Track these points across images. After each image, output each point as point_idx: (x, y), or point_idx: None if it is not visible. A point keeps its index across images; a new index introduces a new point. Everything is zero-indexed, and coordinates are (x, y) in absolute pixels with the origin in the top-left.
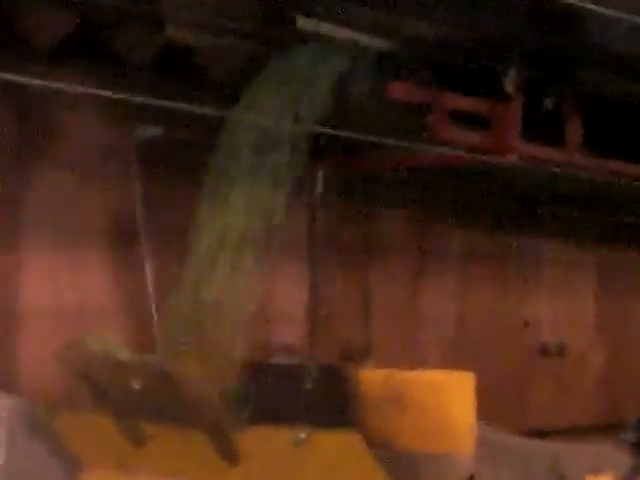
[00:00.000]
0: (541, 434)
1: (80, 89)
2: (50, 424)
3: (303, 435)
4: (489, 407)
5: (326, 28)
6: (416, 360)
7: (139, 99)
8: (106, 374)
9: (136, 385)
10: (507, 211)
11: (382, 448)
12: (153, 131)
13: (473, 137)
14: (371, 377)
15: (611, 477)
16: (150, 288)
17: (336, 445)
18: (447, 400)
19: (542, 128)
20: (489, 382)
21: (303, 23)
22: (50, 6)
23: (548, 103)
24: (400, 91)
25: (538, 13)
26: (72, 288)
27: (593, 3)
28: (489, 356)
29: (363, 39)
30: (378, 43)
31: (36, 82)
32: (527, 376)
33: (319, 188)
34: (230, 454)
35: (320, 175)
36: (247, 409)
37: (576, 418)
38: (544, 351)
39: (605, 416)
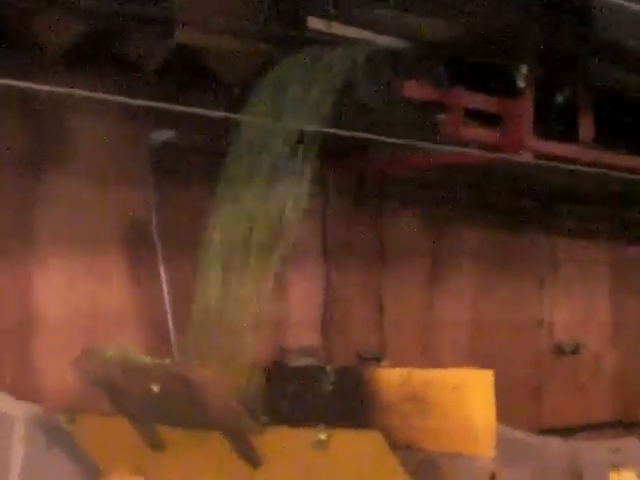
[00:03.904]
0: (557, 433)
1: (93, 95)
2: (68, 430)
3: (323, 436)
4: (505, 407)
5: (337, 28)
6: (431, 362)
7: (152, 104)
8: (124, 379)
9: (155, 389)
10: (521, 210)
11: (402, 449)
12: (166, 135)
13: (486, 135)
14: (389, 377)
15: (634, 473)
16: (166, 294)
17: (357, 446)
18: (467, 398)
19: (555, 124)
20: (505, 383)
21: (314, 23)
22: (61, 12)
23: (560, 99)
24: (413, 90)
25: (549, 8)
26: (88, 296)
27: None
28: (504, 357)
29: (375, 38)
30: (390, 42)
31: (48, 88)
32: (542, 376)
33: (332, 190)
34: (251, 457)
35: (333, 177)
36: (266, 411)
37: (591, 417)
38: (559, 351)
39: (620, 414)
